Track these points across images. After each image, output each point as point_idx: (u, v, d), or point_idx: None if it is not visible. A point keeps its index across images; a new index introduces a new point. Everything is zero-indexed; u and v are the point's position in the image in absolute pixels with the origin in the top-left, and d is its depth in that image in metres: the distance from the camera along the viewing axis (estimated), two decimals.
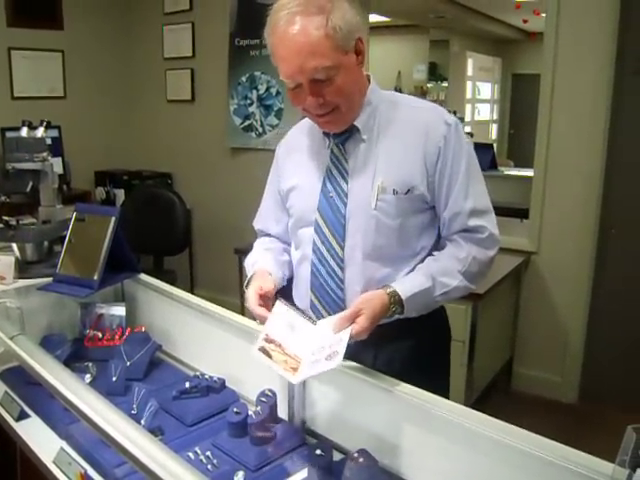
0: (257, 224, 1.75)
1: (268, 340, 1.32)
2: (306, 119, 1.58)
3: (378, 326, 1.36)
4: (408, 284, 1.39)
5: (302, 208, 1.53)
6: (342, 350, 1.22)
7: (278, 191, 1.63)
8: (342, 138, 1.47)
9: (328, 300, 1.49)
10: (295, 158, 1.59)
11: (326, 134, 1.50)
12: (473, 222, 1.43)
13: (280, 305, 1.39)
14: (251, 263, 1.59)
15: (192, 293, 1.96)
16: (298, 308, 1.43)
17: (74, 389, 1.16)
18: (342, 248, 1.45)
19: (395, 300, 1.36)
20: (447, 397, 1.33)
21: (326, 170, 1.48)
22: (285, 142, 1.67)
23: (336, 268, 1.46)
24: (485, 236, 1.44)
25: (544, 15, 3.25)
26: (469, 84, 6.87)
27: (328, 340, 1.29)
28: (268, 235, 1.72)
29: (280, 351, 1.30)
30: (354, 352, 1.33)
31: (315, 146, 1.54)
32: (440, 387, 1.35)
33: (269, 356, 1.29)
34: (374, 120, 1.46)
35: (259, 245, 1.69)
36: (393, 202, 1.41)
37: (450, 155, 1.42)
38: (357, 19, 1.36)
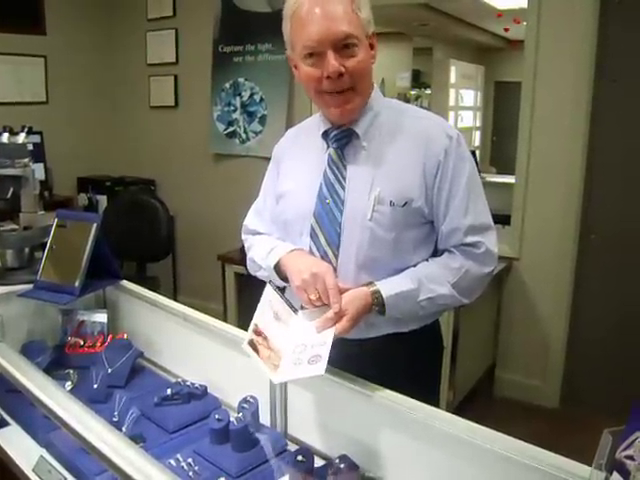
0: (253, 224, 1.67)
1: (257, 332, 1.32)
2: (305, 121, 1.55)
3: (368, 340, 1.38)
4: (392, 284, 1.36)
5: (296, 212, 1.48)
6: (326, 355, 1.22)
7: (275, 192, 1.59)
8: (341, 143, 1.44)
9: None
10: (293, 159, 1.56)
11: (325, 137, 1.47)
12: (470, 238, 1.41)
13: (269, 290, 1.37)
14: (269, 248, 1.50)
15: (175, 300, 1.96)
16: (283, 294, 1.40)
17: (54, 396, 1.15)
18: (336, 257, 1.41)
19: (378, 301, 1.34)
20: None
21: (323, 174, 1.45)
22: (284, 142, 1.64)
23: None
24: (481, 251, 1.41)
25: (525, 23, 3.29)
26: (452, 91, 6.90)
27: (310, 339, 1.28)
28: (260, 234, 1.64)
29: (265, 345, 1.31)
30: (342, 363, 1.33)
31: (313, 148, 1.50)
32: (430, 401, 1.31)
33: (256, 350, 1.29)
34: (375, 127, 1.43)
35: (265, 238, 1.60)
36: (389, 214, 1.37)
37: (450, 169, 1.38)
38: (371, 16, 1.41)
